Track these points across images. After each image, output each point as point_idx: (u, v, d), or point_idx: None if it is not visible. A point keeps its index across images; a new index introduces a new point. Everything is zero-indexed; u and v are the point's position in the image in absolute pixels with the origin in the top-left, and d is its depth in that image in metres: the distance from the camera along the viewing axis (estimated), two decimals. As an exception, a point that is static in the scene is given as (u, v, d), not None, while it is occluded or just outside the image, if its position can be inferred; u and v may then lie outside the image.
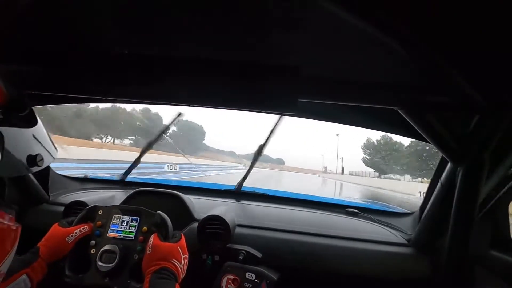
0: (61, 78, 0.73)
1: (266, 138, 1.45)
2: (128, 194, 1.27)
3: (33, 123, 0.69)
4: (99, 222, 0.95)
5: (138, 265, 0.82)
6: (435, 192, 1.02)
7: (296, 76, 0.66)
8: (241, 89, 0.67)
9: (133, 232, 0.93)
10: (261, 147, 1.47)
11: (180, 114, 1.55)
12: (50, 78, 0.74)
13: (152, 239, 0.83)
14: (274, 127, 1.39)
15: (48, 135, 0.75)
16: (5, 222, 0.53)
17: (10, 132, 0.59)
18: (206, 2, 0.52)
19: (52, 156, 0.73)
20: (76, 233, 0.89)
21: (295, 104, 0.66)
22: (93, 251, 0.90)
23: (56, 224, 0.92)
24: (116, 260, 0.85)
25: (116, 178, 1.64)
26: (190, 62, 0.69)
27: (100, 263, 0.85)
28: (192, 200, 1.29)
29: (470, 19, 0.45)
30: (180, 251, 0.82)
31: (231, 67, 0.67)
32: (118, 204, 1.18)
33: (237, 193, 1.54)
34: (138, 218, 0.95)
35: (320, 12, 0.49)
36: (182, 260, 0.81)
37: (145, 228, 0.92)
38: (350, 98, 0.72)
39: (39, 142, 0.67)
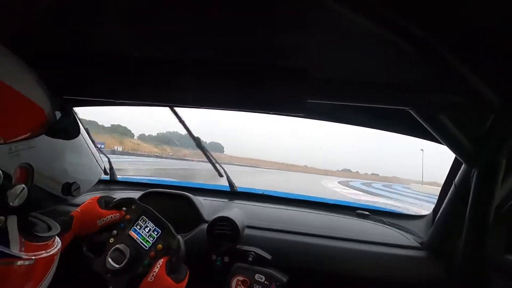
0: (71, 81, 0.74)
1: None
2: (139, 195, 1.29)
3: (75, 133, 0.63)
4: (128, 216, 0.97)
5: (138, 278, 0.81)
6: (449, 194, 1.00)
7: (305, 78, 0.66)
8: (250, 91, 0.67)
9: (149, 242, 0.92)
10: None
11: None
12: (60, 82, 0.74)
13: (160, 266, 0.81)
14: None
15: (92, 148, 0.69)
16: (31, 257, 0.51)
17: (45, 155, 0.54)
18: (214, 5, 0.53)
19: (92, 179, 0.67)
20: (107, 218, 0.93)
21: (304, 105, 0.66)
22: (111, 240, 0.92)
23: (96, 199, 0.95)
24: (122, 264, 0.86)
25: (129, 179, 1.67)
26: (199, 64, 0.70)
27: (109, 259, 0.87)
28: (202, 202, 1.30)
29: (483, 15, 0.44)
30: None
31: (240, 69, 0.68)
32: None
33: (247, 195, 1.55)
34: (160, 232, 0.94)
35: (329, 13, 0.48)
36: None
37: (160, 245, 0.90)
38: (360, 99, 0.72)
39: (80, 163, 0.61)
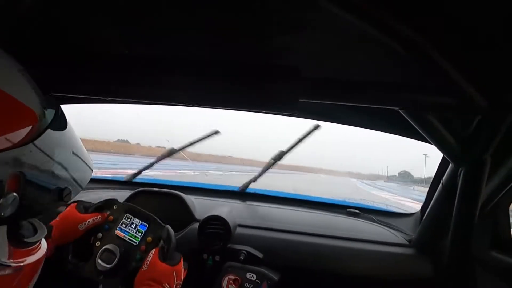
0: (60, 78, 0.72)
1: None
2: (129, 194, 1.27)
3: (62, 126, 0.58)
4: (111, 217, 0.95)
5: (133, 274, 0.81)
6: (436, 193, 1.02)
7: (297, 77, 0.66)
8: (242, 90, 0.67)
9: (138, 238, 0.91)
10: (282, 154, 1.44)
11: (216, 132, 1.52)
12: (49, 79, 0.72)
13: (152, 255, 0.81)
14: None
15: (81, 150, 0.64)
16: (19, 264, 0.49)
17: (37, 160, 0.49)
18: (207, 3, 0.52)
19: (80, 185, 0.63)
20: (89, 221, 0.89)
21: (296, 104, 0.66)
22: (97, 243, 0.90)
23: (74, 205, 0.91)
24: (114, 263, 0.84)
25: (118, 178, 1.64)
26: (191, 62, 0.69)
27: (99, 261, 0.85)
28: (193, 201, 1.29)
29: (472, 18, 0.45)
30: (175, 275, 0.79)
31: (232, 67, 0.67)
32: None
33: (238, 194, 1.54)
34: (147, 226, 0.94)
35: (321, 13, 0.49)
36: (174, 286, 0.78)
37: (149, 238, 0.91)
38: (351, 98, 0.72)
39: (69, 167, 0.57)
